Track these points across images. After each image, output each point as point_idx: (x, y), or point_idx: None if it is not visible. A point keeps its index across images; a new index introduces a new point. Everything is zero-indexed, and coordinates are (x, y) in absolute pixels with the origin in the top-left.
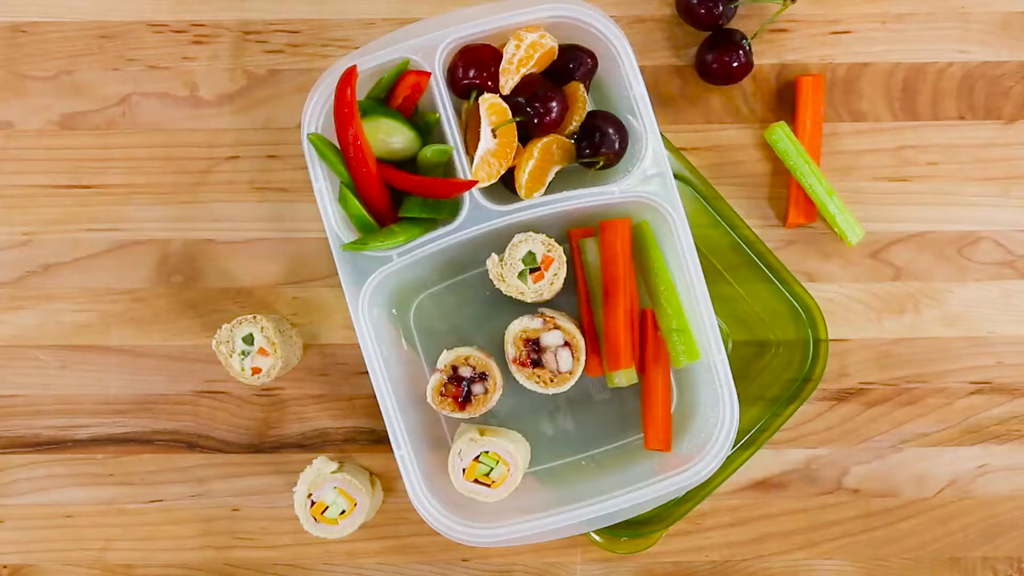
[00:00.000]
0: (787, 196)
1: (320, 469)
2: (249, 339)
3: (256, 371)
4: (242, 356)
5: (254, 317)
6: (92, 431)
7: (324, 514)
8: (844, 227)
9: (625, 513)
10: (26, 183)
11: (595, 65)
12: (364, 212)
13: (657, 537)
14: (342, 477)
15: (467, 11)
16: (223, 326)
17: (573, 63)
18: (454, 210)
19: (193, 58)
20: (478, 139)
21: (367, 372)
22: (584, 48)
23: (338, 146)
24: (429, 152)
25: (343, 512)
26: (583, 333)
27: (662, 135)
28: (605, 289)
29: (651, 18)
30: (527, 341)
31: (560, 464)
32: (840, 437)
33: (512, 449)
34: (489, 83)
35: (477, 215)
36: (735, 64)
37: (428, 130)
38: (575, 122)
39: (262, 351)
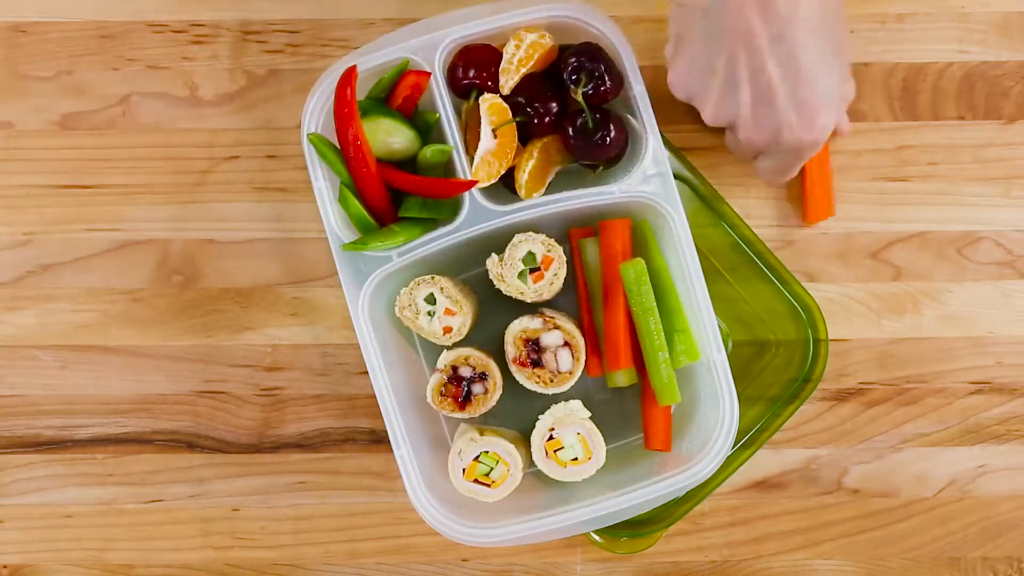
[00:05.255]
0: (787, 196)
1: (575, 410)
2: (431, 299)
3: (447, 330)
4: (429, 316)
5: (432, 278)
6: (92, 431)
7: (556, 453)
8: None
9: (625, 513)
10: (26, 183)
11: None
12: (364, 212)
13: (657, 537)
14: (591, 427)
15: (467, 11)
16: (402, 291)
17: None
18: (454, 210)
19: (193, 58)
20: (478, 139)
21: (367, 372)
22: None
23: (338, 146)
24: (429, 152)
25: (575, 459)
26: (583, 333)
27: (662, 135)
28: (605, 289)
29: (651, 18)
30: (527, 341)
31: None
32: (840, 437)
33: (512, 449)
34: (489, 83)
35: (477, 215)
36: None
37: (428, 130)
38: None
39: (448, 311)
